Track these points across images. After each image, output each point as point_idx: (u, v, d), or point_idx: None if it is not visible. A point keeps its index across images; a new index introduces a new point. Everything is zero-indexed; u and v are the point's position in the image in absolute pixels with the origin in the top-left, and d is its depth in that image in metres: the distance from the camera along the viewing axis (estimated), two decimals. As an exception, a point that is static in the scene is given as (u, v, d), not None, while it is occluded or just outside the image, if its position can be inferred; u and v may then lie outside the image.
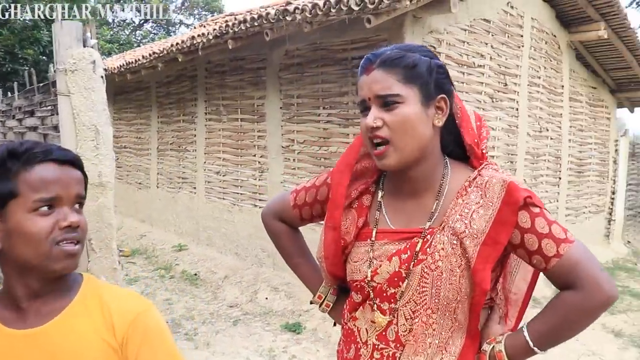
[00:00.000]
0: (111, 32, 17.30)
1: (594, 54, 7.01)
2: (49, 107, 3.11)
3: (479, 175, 1.20)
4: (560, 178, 6.77)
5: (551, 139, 6.41)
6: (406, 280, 1.19)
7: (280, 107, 5.58)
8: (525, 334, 1.16)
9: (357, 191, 1.31)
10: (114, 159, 1.41)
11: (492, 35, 5.06)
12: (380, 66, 1.16)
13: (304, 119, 5.34)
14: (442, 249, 1.16)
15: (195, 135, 7.04)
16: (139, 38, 19.41)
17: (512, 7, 5.23)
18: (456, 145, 1.28)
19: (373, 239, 1.26)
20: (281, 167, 5.65)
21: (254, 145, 6.01)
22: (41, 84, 3.62)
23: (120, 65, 7.16)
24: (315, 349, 4.27)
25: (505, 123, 5.47)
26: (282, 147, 5.60)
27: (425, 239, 1.19)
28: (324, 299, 1.44)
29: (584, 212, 7.58)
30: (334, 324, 1.48)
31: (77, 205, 1.05)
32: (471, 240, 1.14)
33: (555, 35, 6.16)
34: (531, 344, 1.15)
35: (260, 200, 5.99)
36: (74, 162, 1.06)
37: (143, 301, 1.10)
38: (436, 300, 1.16)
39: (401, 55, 1.17)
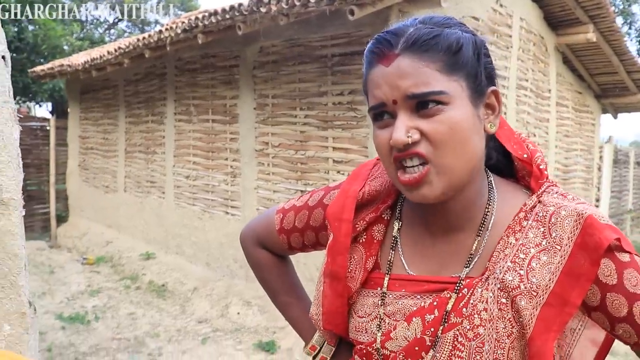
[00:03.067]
0: (83, 30, 16.65)
1: (580, 58, 6.81)
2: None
3: (540, 202, 0.84)
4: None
5: (538, 144, 6.16)
6: (432, 351, 0.83)
7: (254, 108, 5.21)
8: None
9: (364, 222, 0.94)
10: (20, 168, 1.02)
11: (481, 34, 4.71)
12: (409, 50, 0.79)
13: (280, 120, 4.97)
14: (485, 309, 0.80)
15: (164, 137, 6.62)
16: (114, 37, 18.78)
17: (501, 5, 4.96)
18: (500, 154, 0.93)
19: (384, 288, 0.90)
20: (254, 172, 5.27)
21: (226, 148, 5.63)
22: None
23: (85, 62, 6.71)
24: (290, 372, 3.92)
25: (492, 128, 5.16)
26: (256, 150, 5.23)
27: (460, 294, 0.83)
28: (319, 351, 1.07)
29: (568, 220, 7.33)
30: None
31: None
32: (528, 299, 0.78)
33: (543, 37, 5.91)
34: None
35: (232, 207, 5.60)
36: None
37: None
38: None
39: (437, 32, 0.80)
